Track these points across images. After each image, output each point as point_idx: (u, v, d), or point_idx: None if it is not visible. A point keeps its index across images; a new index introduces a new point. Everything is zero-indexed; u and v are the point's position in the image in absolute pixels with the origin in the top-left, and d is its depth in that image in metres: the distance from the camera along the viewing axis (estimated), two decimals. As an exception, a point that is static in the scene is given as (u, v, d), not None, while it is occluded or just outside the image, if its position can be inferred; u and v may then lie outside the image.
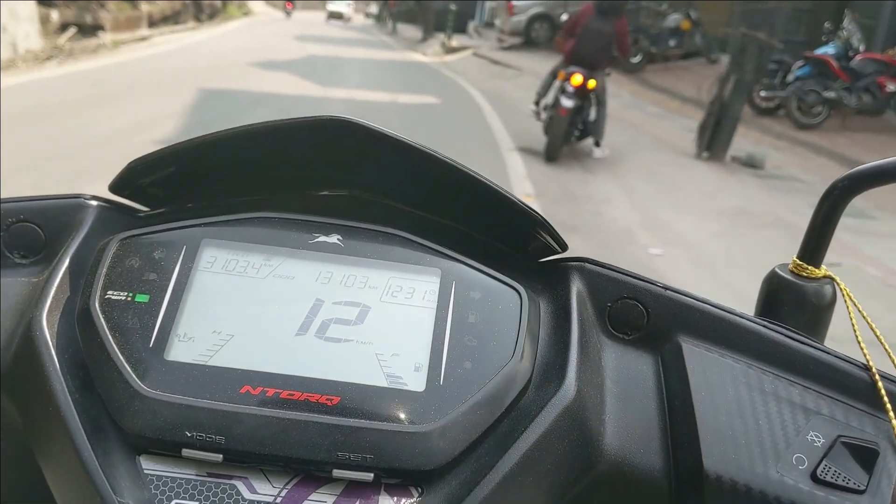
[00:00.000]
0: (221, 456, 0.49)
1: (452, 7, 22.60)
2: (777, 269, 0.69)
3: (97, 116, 8.06)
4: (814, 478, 0.52)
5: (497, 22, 22.60)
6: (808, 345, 0.59)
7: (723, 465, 0.52)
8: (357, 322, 0.55)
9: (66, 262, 0.56)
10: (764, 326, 0.60)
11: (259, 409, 0.50)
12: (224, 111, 9.11)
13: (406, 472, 0.50)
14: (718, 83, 8.05)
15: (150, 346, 0.52)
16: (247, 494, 0.49)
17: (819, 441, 0.54)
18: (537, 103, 8.27)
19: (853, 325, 0.63)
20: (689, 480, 0.54)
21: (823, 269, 0.66)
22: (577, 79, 7.35)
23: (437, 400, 0.52)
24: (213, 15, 30.39)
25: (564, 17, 9.11)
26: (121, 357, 0.51)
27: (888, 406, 0.57)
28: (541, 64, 16.24)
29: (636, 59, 14.66)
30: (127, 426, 0.49)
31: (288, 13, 42.23)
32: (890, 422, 0.56)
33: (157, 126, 7.71)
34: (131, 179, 0.62)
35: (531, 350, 0.56)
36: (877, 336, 0.61)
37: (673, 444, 0.55)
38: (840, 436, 0.54)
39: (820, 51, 10.81)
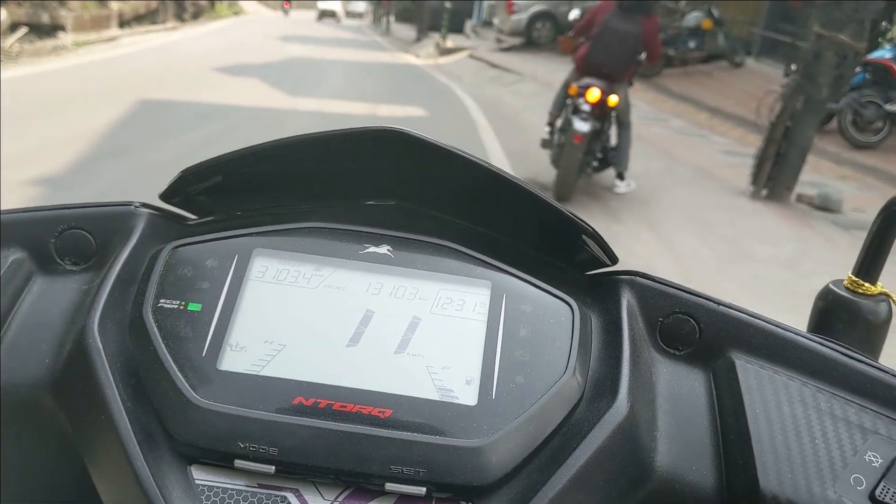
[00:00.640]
0: (274, 467, 0.49)
1: (448, 5, 21.19)
2: (831, 286, 0.68)
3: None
4: (872, 499, 0.51)
5: (496, 21, 21.07)
6: (864, 362, 0.58)
7: (779, 484, 0.51)
8: (407, 334, 0.55)
9: (117, 270, 0.56)
10: (819, 343, 0.58)
11: (311, 421, 0.50)
12: (156, 131, 7.40)
13: (458, 487, 0.49)
14: (782, 100, 6.27)
15: (203, 355, 0.52)
16: None
17: (877, 461, 0.53)
18: (551, 125, 6.43)
19: None
20: (744, 500, 0.53)
21: (879, 286, 0.65)
22: (594, 94, 5.66)
23: (490, 415, 0.51)
24: (198, 14, 29.01)
25: (573, 14, 7.26)
26: (174, 366, 0.51)
27: None
28: (543, 68, 14.58)
29: (650, 63, 12.93)
30: (179, 436, 0.49)
31: (286, 12, 42.93)
32: None
33: (39, 159, 5.98)
34: (182, 187, 0.62)
35: (583, 365, 0.55)
36: None
37: (726, 463, 0.55)
38: None
39: (876, 54, 9.08)
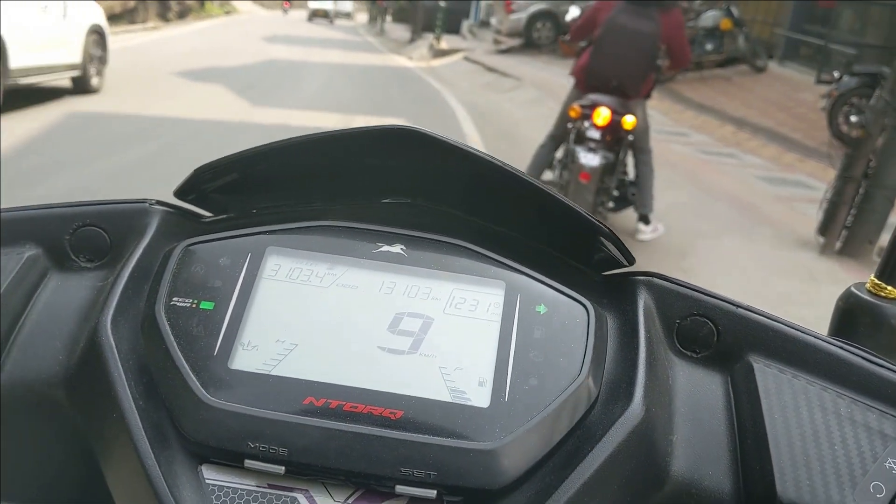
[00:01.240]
0: (284, 468, 0.49)
1: (442, 4, 19.89)
2: (853, 289, 0.67)
3: None
4: None
5: (493, 21, 19.74)
6: (887, 367, 0.57)
7: (796, 491, 0.51)
8: (420, 334, 0.54)
9: (131, 267, 0.57)
10: (840, 347, 0.57)
11: (322, 421, 0.50)
12: (67, 155, 6.04)
13: (469, 490, 0.49)
14: (865, 127, 4.84)
15: (215, 354, 0.52)
16: None
17: None
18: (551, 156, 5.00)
19: None
20: None
21: None
22: (604, 115, 4.32)
23: (502, 417, 0.51)
24: (184, 14, 27.74)
25: (570, 14, 5.76)
26: (185, 365, 0.51)
27: None
28: (543, 72, 13.23)
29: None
30: (190, 435, 0.49)
31: (285, 11, 42.92)
32: None
33: None
34: (196, 185, 0.62)
35: (598, 367, 0.55)
36: None
37: (743, 468, 0.54)
38: None
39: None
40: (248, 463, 0.49)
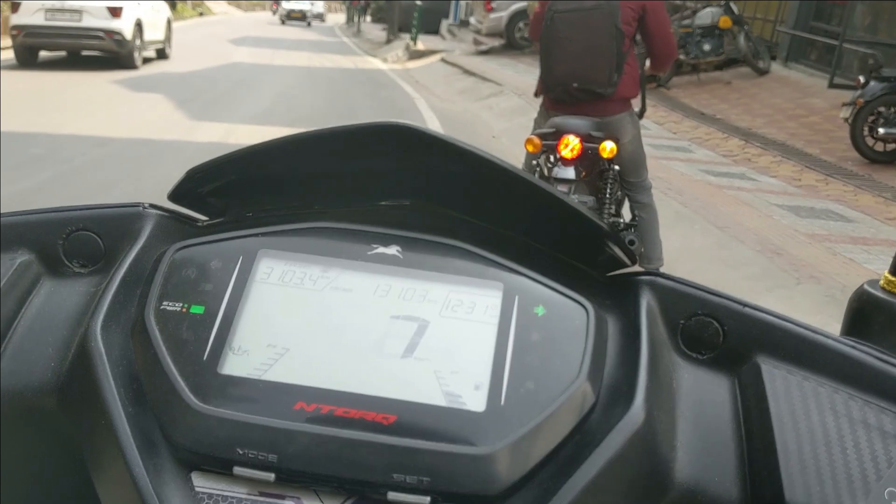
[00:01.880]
0: (274, 475, 0.48)
1: (419, 3, 18.76)
2: (866, 286, 0.64)
3: None
4: None
5: (472, 20, 18.57)
6: None
7: (806, 497, 0.50)
8: (415, 337, 0.53)
9: (123, 272, 0.56)
10: (852, 347, 0.55)
11: (313, 427, 0.49)
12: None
13: (464, 496, 0.48)
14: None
15: (205, 358, 0.52)
16: None
17: None
18: None
19: None
20: None
21: None
22: (572, 145, 3.12)
23: (498, 421, 0.50)
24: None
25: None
26: (174, 370, 0.51)
27: None
28: (526, 76, 12.10)
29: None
30: (179, 442, 0.49)
31: (274, 12, 41.57)
32: None
33: None
34: (190, 188, 0.61)
35: (598, 370, 0.54)
36: None
37: (751, 474, 0.53)
38: None
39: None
40: (237, 470, 0.48)
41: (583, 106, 3.36)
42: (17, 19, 11.27)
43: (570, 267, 0.61)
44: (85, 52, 12.18)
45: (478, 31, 17.58)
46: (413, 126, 0.54)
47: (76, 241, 0.60)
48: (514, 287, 0.55)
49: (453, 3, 22.69)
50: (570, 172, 3.14)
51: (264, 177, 0.62)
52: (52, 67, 11.75)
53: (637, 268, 0.60)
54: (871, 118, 6.96)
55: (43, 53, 12.15)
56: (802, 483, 0.49)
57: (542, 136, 3.26)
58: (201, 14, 37.16)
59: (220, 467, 0.49)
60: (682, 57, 10.81)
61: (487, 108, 10.43)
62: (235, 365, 0.51)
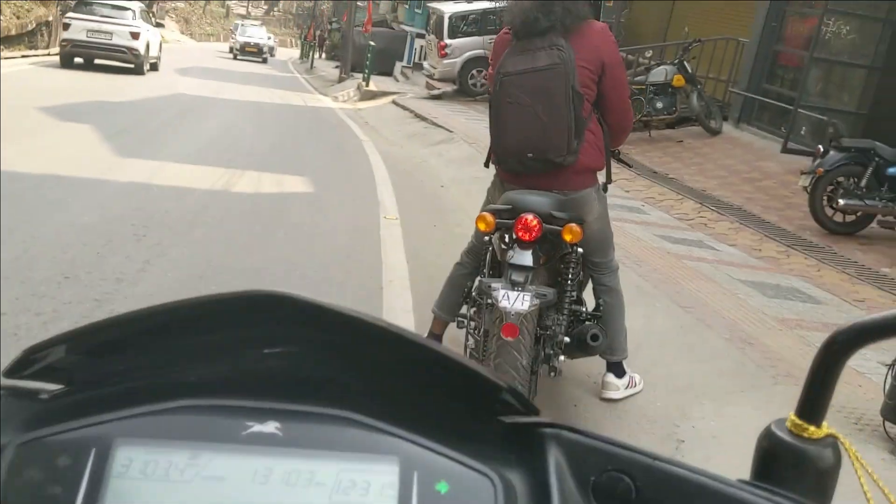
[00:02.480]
0: None
1: (372, 43, 18.48)
2: (774, 428, 0.62)
3: None
4: None
5: (426, 64, 18.34)
6: None
7: None
8: None
9: None
10: (766, 498, 0.54)
11: None
12: None
13: None
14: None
15: None
16: None
17: None
18: (467, 296, 3.33)
19: (865, 493, 0.59)
20: None
21: (825, 427, 0.60)
22: (530, 226, 2.69)
23: None
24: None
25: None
26: None
27: None
28: (478, 124, 11.83)
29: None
30: None
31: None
32: None
33: None
34: (29, 364, 0.55)
35: None
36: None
37: None
38: None
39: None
40: None
41: (542, 178, 2.95)
42: (68, 35, 16.21)
43: (469, 423, 0.57)
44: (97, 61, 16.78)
45: (431, 76, 17.35)
46: (291, 296, 0.52)
47: None
48: (411, 460, 0.51)
49: (409, 44, 22.49)
50: (527, 258, 2.70)
51: (118, 346, 0.55)
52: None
53: (539, 418, 0.57)
54: (830, 188, 6.77)
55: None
56: None
57: (497, 213, 2.81)
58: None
59: None
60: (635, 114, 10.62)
61: (437, 154, 10.07)
62: None
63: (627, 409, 3.25)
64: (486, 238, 3.00)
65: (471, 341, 3.03)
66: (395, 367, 0.57)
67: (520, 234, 2.70)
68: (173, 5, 46.07)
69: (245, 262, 4.70)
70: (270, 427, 0.51)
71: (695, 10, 13.79)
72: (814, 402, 0.60)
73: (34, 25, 20.05)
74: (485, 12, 16.16)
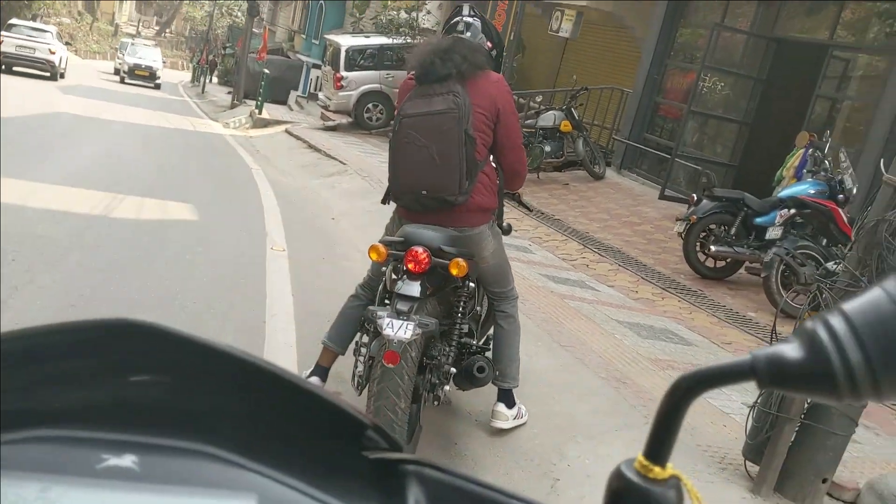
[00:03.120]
0: None
1: (266, 71, 18.29)
2: (623, 468, 0.63)
3: None
4: None
5: (321, 95, 18.29)
6: None
7: None
8: None
9: None
10: None
11: None
12: None
13: None
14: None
15: None
16: None
17: None
18: (364, 324, 3.19)
19: None
20: None
21: (670, 468, 0.62)
22: (418, 258, 2.78)
23: None
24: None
25: None
26: None
27: None
28: (373, 157, 11.88)
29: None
30: None
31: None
32: None
33: None
34: None
35: None
36: None
37: None
38: None
39: (796, 189, 7.06)
40: None
41: (436, 214, 3.05)
42: (3, 48, 20.46)
43: (334, 459, 0.57)
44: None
45: (326, 107, 17.30)
46: (153, 325, 0.51)
47: None
48: (269, 497, 0.50)
49: (304, 75, 22.39)
50: (414, 289, 2.77)
51: None
52: None
53: (402, 455, 0.58)
54: (702, 234, 7.17)
55: None
56: None
57: (390, 245, 2.89)
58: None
59: None
60: (525, 155, 10.93)
61: (329, 186, 10.02)
62: None
63: (507, 445, 3.31)
64: (383, 269, 3.04)
65: (360, 368, 3.04)
66: (260, 402, 0.56)
67: (409, 265, 2.78)
68: (58, 20, 44.03)
69: (121, 291, 4.51)
70: (127, 461, 0.49)
71: (583, 59, 14.42)
72: (660, 443, 0.62)
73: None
74: (382, 47, 16.28)
